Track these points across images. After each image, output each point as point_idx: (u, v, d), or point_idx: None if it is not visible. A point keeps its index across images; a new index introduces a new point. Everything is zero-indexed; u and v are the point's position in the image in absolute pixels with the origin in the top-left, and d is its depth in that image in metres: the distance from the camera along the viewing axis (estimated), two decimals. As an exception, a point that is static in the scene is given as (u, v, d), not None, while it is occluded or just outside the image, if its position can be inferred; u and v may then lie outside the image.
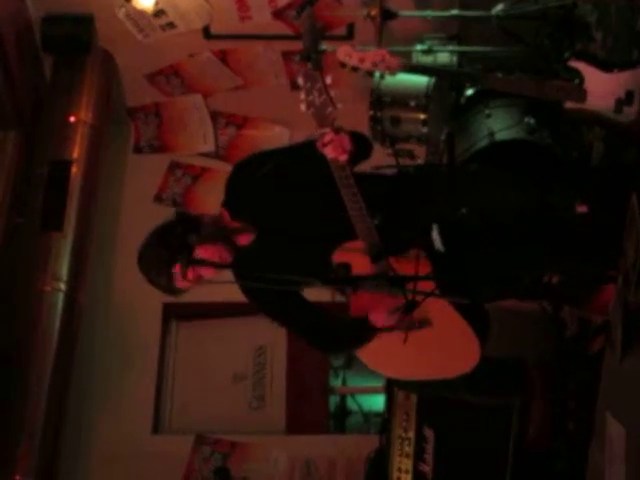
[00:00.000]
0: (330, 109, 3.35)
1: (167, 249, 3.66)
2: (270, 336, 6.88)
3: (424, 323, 3.75)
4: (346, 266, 3.52)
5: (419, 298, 3.55)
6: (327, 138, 3.41)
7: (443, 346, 3.82)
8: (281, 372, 6.92)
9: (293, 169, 3.75)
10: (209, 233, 3.67)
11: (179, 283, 3.59)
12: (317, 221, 3.74)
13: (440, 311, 3.71)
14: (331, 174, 3.50)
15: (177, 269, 3.54)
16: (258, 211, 3.77)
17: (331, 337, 3.96)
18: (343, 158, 3.44)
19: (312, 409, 6.85)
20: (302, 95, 3.36)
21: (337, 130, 3.41)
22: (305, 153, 3.60)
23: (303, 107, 3.38)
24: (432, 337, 3.77)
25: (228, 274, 3.74)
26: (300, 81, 3.36)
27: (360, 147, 3.57)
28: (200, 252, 3.59)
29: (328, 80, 3.36)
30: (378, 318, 3.69)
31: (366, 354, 3.94)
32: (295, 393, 6.86)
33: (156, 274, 3.64)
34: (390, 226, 3.64)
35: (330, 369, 7.22)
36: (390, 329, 3.71)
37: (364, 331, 3.79)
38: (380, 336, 3.80)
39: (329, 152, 3.43)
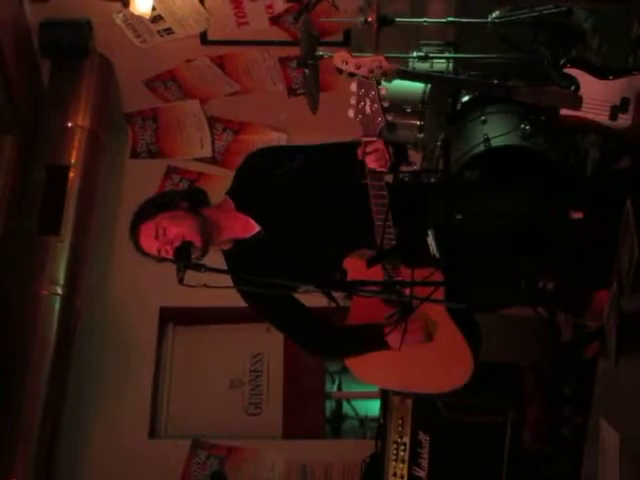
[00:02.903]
0: (380, 119, 3.37)
1: (161, 199, 3.71)
2: (267, 343, 6.89)
3: (427, 338, 3.74)
4: (342, 271, 3.53)
5: (415, 303, 3.56)
6: (373, 147, 3.41)
7: (437, 358, 3.80)
8: (278, 379, 6.92)
9: (324, 169, 3.72)
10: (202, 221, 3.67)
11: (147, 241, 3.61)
12: (334, 226, 3.71)
13: (438, 321, 3.71)
14: (360, 181, 3.50)
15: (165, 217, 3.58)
16: (270, 207, 3.72)
17: (327, 343, 3.95)
18: (384, 169, 3.45)
19: (309, 416, 6.86)
20: (352, 101, 3.37)
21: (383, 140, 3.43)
22: (341, 154, 3.60)
23: (351, 114, 3.39)
24: (426, 349, 3.76)
25: (225, 279, 3.75)
26: (353, 87, 3.37)
27: (398, 160, 3.59)
28: (169, 219, 3.60)
29: (383, 91, 3.38)
30: (394, 340, 3.68)
31: (356, 364, 3.93)
32: (292, 400, 6.86)
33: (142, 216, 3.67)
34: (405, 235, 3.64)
35: (326, 374, 7.23)
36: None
37: (369, 343, 3.79)
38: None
39: (371, 161, 3.43)
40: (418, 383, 3.95)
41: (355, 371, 3.97)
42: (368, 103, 3.36)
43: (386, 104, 3.40)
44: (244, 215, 3.74)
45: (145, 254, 3.67)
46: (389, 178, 3.61)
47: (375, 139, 3.41)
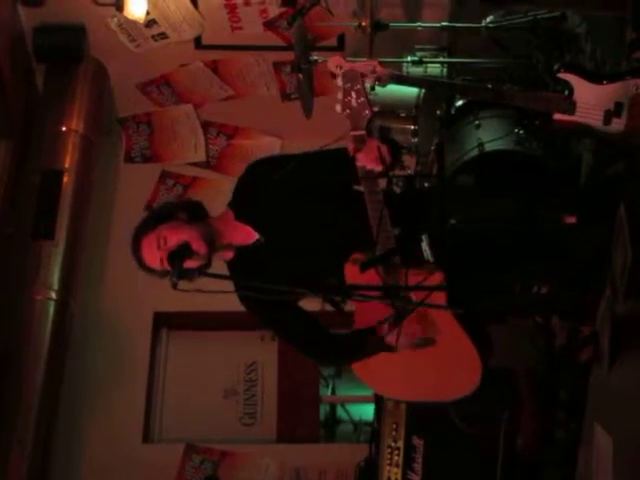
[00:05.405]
0: (367, 112, 3.37)
1: (161, 210, 3.72)
2: (261, 352, 6.90)
3: (428, 341, 3.72)
4: (338, 276, 3.52)
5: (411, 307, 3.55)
6: (367, 146, 3.42)
7: (445, 366, 3.76)
8: (272, 388, 6.92)
9: (315, 173, 3.71)
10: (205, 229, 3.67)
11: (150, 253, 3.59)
12: (330, 230, 3.70)
13: (445, 328, 3.69)
14: (351, 182, 3.49)
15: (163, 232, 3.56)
16: (268, 215, 3.72)
17: (328, 349, 3.94)
18: (378, 168, 3.45)
19: (303, 425, 6.85)
20: (339, 95, 3.38)
21: (379, 137, 3.43)
22: (334, 158, 3.60)
23: (338, 108, 3.39)
24: (435, 356, 3.73)
25: (219, 284, 3.75)
26: (339, 82, 3.37)
27: (394, 159, 3.59)
28: (169, 229, 3.59)
29: (366, 83, 3.38)
30: (392, 337, 3.65)
31: (364, 372, 3.91)
32: (286, 407, 6.86)
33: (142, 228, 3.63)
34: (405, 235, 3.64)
35: (320, 379, 7.22)
36: (394, 348, 3.68)
37: (367, 345, 3.78)
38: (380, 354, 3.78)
39: (362, 158, 3.44)
40: (427, 392, 3.92)
41: (367, 382, 3.96)
42: (354, 96, 3.36)
43: (376, 109, 3.41)
44: (243, 224, 3.75)
45: (150, 270, 3.66)
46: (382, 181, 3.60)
47: (363, 132, 3.42)
